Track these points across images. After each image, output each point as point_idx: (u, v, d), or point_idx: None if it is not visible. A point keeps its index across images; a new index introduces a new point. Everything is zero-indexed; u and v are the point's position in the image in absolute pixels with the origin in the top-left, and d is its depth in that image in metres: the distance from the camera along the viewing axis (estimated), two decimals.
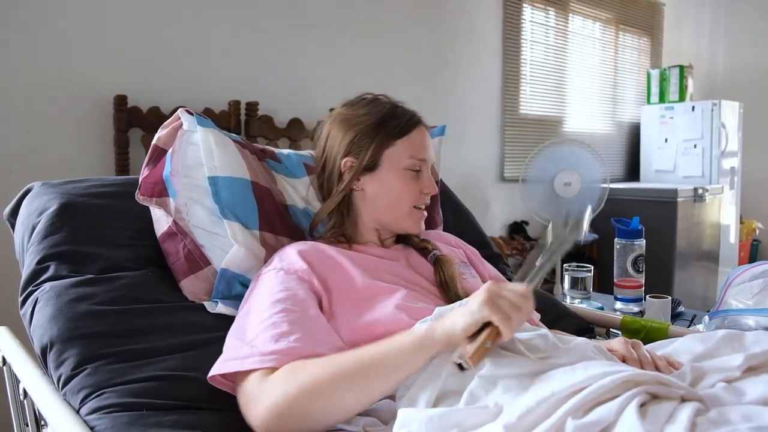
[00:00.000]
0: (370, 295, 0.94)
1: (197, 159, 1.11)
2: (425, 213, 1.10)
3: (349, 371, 0.77)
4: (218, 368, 0.84)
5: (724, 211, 3.94)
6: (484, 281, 1.16)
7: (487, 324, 0.75)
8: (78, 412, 0.82)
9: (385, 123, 1.06)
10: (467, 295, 0.97)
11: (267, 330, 0.84)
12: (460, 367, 0.76)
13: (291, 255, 0.99)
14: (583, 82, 4.00)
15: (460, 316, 0.76)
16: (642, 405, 0.62)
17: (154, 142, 1.14)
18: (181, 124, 1.14)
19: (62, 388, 0.86)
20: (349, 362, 0.78)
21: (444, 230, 1.44)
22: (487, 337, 0.74)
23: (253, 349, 0.82)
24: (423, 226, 1.11)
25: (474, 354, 0.73)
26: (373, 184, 1.07)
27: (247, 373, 0.81)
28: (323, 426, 0.79)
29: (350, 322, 0.91)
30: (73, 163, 1.95)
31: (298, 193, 1.23)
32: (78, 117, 1.97)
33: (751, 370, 0.76)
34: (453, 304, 0.87)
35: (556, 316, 1.36)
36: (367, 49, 2.78)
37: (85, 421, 0.80)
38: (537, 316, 1.20)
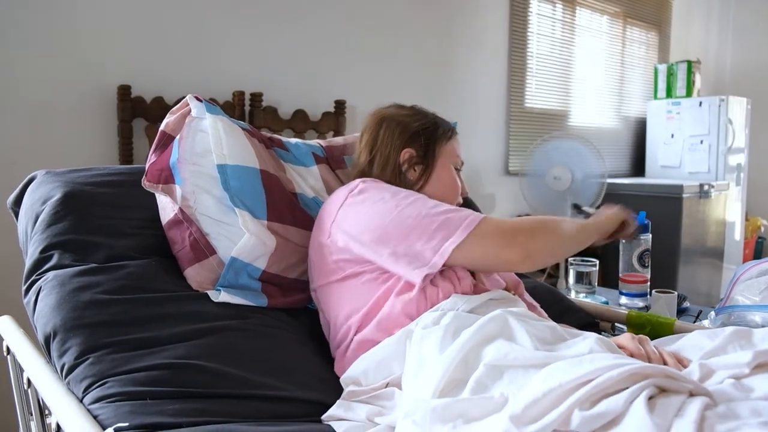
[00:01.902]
0: None
1: (205, 146, 1.10)
2: None
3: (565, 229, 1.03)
4: (444, 246, 0.95)
5: (729, 208, 3.91)
6: (500, 275, 1.17)
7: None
8: (81, 401, 0.81)
9: (437, 125, 1.18)
10: (484, 285, 1.06)
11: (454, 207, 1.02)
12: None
13: None
14: (590, 76, 3.98)
15: (609, 213, 1.19)
16: (650, 398, 0.62)
17: (161, 128, 1.13)
18: (190, 111, 1.13)
19: (66, 377, 0.85)
20: (570, 224, 1.05)
21: None
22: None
23: (461, 212, 0.98)
24: None
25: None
26: (427, 176, 1.14)
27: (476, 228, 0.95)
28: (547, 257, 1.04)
29: None
30: (77, 153, 1.95)
31: (307, 182, 1.23)
32: (82, 107, 1.96)
33: (760, 367, 0.75)
34: None
35: (561, 310, 1.36)
36: (372, 42, 2.76)
37: (88, 410, 0.79)
38: (545, 313, 1.19)
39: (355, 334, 0.98)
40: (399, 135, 1.15)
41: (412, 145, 1.14)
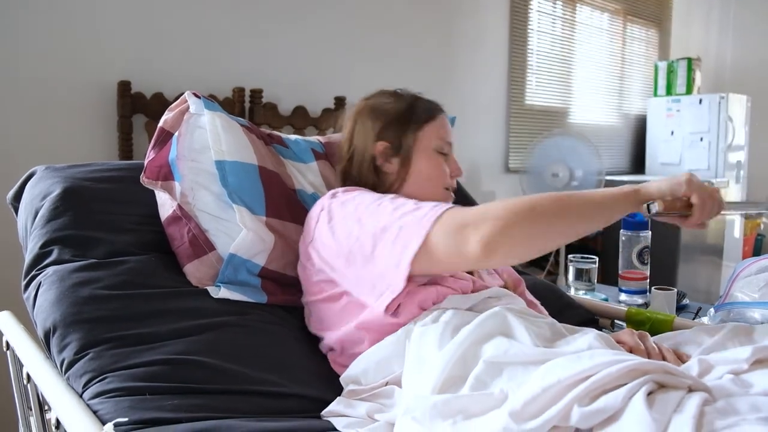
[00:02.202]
0: None
1: (204, 143, 1.10)
2: (453, 195, 1.12)
3: (551, 204, 0.84)
4: (402, 259, 0.85)
5: (729, 206, 3.91)
6: (497, 273, 1.17)
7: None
8: (81, 396, 0.82)
9: (413, 109, 1.10)
10: (484, 282, 1.01)
11: (419, 203, 0.90)
12: (648, 209, 0.88)
13: None
14: (590, 73, 3.97)
15: (665, 182, 0.90)
16: (649, 394, 0.62)
17: (160, 124, 1.13)
18: (188, 107, 1.13)
19: (65, 373, 0.85)
20: (548, 199, 0.85)
21: None
22: (679, 206, 0.89)
23: (430, 210, 0.87)
24: None
25: (667, 203, 0.88)
26: (404, 167, 1.08)
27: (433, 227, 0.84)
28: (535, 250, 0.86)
29: None
30: (77, 149, 1.95)
31: (306, 178, 1.23)
32: (82, 103, 1.96)
33: (759, 363, 0.75)
34: None
35: (560, 307, 1.36)
36: (371, 38, 2.76)
37: (88, 405, 0.79)
38: (545, 311, 1.19)
39: (348, 346, 0.98)
40: (372, 127, 1.10)
41: (387, 136, 1.08)
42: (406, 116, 1.09)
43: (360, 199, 0.96)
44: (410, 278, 0.88)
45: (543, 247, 0.87)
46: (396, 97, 1.12)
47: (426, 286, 0.93)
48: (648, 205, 0.88)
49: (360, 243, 0.91)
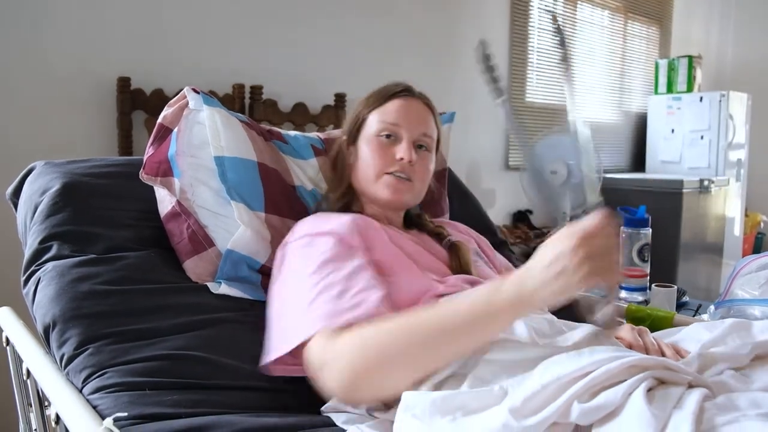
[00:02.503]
0: (407, 265, 0.95)
1: (203, 138, 1.10)
2: (409, 184, 1.06)
3: (422, 335, 0.74)
4: (279, 349, 0.84)
5: (729, 204, 3.91)
6: (496, 269, 1.16)
7: None
8: (81, 391, 0.82)
9: (369, 98, 1.11)
10: (478, 278, 0.97)
11: (323, 293, 0.83)
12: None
13: (327, 220, 0.98)
14: (591, 70, 3.97)
15: (542, 272, 0.70)
16: (649, 390, 0.62)
17: (159, 120, 1.13)
18: (187, 103, 1.13)
19: (65, 368, 0.85)
20: (423, 326, 0.75)
21: (450, 217, 1.43)
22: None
23: (313, 313, 0.82)
24: (405, 197, 1.07)
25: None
26: (354, 157, 1.10)
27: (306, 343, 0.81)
28: (396, 390, 0.75)
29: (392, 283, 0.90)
30: (77, 145, 1.95)
31: (306, 174, 1.22)
32: (81, 99, 1.96)
33: (758, 359, 0.75)
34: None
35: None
36: (372, 34, 2.76)
37: (88, 400, 0.79)
38: None
39: None
40: (344, 124, 1.16)
41: (348, 130, 1.13)
42: (361, 108, 1.11)
43: (291, 262, 0.94)
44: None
45: (414, 377, 0.75)
46: (373, 90, 1.13)
47: (417, 288, 0.92)
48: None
49: (271, 308, 0.93)
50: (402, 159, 1.04)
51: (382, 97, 1.09)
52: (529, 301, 0.72)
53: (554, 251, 0.70)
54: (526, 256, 0.80)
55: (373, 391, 0.77)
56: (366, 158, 1.06)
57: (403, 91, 1.10)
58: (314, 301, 0.83)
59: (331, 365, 0.77)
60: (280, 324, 0.89)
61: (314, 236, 0.95)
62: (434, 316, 0.76)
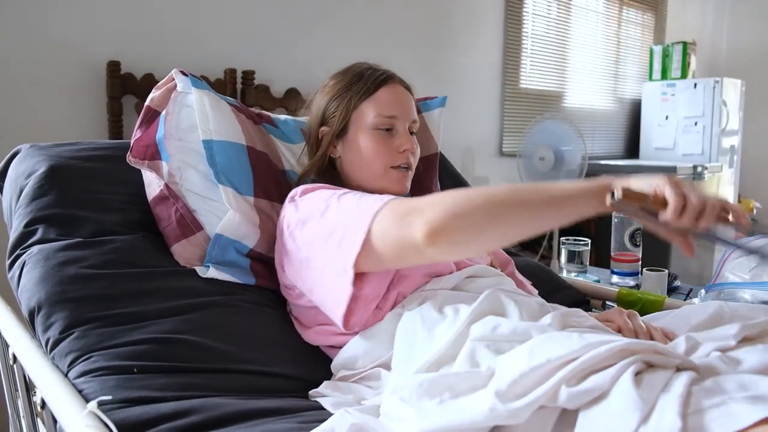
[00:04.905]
0: None
1: (191, 122, 1.09)
2: (409, 173, 1.06)
3: (514, 197, 0.78)
4: (346, 256, 0.82)
5: (722, 190, 3.92)
6: (489, 255, 1.16)
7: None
8: (66, 375, 0.81)
9: (351, 86, 1.05)
10: (468, 261, 0.98)
11: (364, 197, 0.87)
12: (612, 195, 0.75)
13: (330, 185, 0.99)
14: (585, 57, 3.95)
15: (642, 177, 0.78)
16: (637, 374, 0.61)
17: (147, 103, 1.11)
18: (176, 86, 1.11)
19: (50, 352, 0.85)
20: (505, 190, 0.79)
21: None
22: (646, 201, 0.75)
23: (371, 204, 0.83)
24: (407, 185, 1.07)
25: (628, 191, 0.74)
26: (347, 149, 1.06)
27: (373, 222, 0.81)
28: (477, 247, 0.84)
29: None
30: (66, 129, 1.92)
31: (296, 157, 1.21)
32: (70, 83, 1.93)
33: (746, 340, 0.75)
34: None
35: (552, 288, 1.35)
36: (365, 19, 2.73)
37: (73, 384, 0.79)
38: (534, 290, 1.19)
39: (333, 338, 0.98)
40: (317, 111, 1.09)
41: (328, 121, 1.07)
42: (343, 96, 1.05)
43: (303, 210, 0.94)
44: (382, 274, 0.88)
45: (495, 240, 0.82)
46: (343, 73, 1.08)
47: (408, 273, 0.92)
48: (612, 193, 0.75)
49: (308, 259, 0.91)
50: (405, 151, 1.04)
51: (371, 85, 1.04)
52: (607, 184, 0.77)
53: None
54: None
55: (458, 238, 0.77)
56: (368, 153, 1.03)
57: (389, 78, 1.07)
58: (364, 197, 0.87)
59: (420, 208, 0.78)
60: (337, 232, 0.86)
61: (329, 187, 0.96)
62: (522, 185, 0.83)
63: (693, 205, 0.74)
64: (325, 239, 0.88)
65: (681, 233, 0.78)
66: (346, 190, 0.93)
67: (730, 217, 0.76)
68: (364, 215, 0.83)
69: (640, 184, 0.77)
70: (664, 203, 0.75)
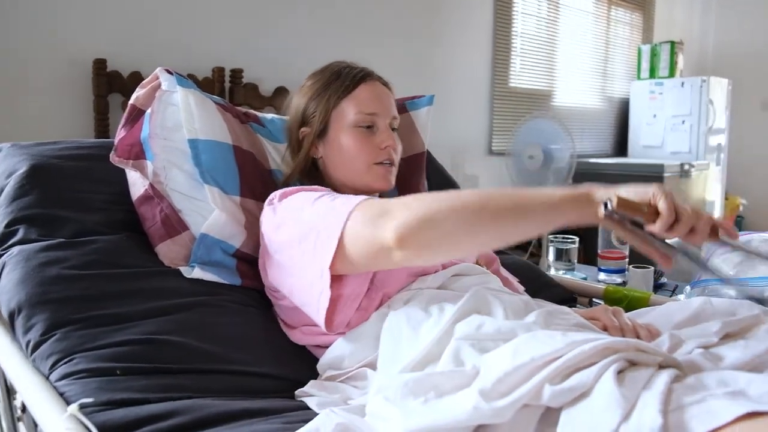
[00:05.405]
0: None
1: (177, 120, 1.08)
2: (393, 168, 1.06)
3: (490, 201, 0.76)
4: (322, 258, 0.81)
5: (709, 188, 3.95)
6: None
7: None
8: (48, 378, 0.80)
9: (329, 85, 1.04)
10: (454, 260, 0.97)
11: (338, 199, 0.86)
12: (605, 206, 0.72)
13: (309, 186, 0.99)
14: (574, 56, 3.97)
15: (631, 186, 0.75)
16: (620, 372, 0.62)
17: (131, 102, 1.10)
18: (161, 84, 1.11)
19: (31, 354, 0.84)
20: (492, 194, 0.77)
21: None
22: (641, 211, 0.72)
23: (342, 201, 0.83)
24: (392, 180, 1.07)
25: (623, 201, 0.71)
26: (328, 149, 1.05)
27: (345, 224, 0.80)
28: (451, 249, 0.80)
29: None
30: (52, 128, 1.91)
31: (282, 157, 1.21)
32: (56, 81, 1.92)
33: (728, 336, 0.75)
34: None
35: (539, 286, 1.36)
36: (354, 18, 2.72)
37: (55, 387, 0.78)
38: (521, 287, 1.19)
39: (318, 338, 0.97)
40: (296, 111, 1.08)
41: (308, 121, 1.06)
42: (322, 95, 1.04)
43: (280, 213, 0.94)
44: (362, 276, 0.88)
45: (468, 247, 0.80)
46: (321, 72, 1.08)
47: (393, 272, 0.92)
48: (605, 203, 0.72)
49: (288, 257, 0.90)
50: (387, 147, 1.03)
51: (350, 83, 1.04)
52: (593, 192, 0.74)
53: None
54: None
55: (428, 243, 0.76)
56: (350, 151, 1.02)
57: (367, 75, 1.06)
58: (337, 199, 0.86)
59: (391, 211, 0.76)
60: (311, 236, 0.85)
61: (307, 189, 0.95)
62: (500, 190, 0.79)
63: (687, 220, 0.72)
64: (300, 243, 0.88)
65: (663, 250, 0.75)
66: (323, 192, 0.92)
67: (720, 234, 0.75)
68: (337, 218, 0.82)
69: (634, 192, 0.74)
70: (656, 214, 0.72)
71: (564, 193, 0.75)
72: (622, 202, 0.72)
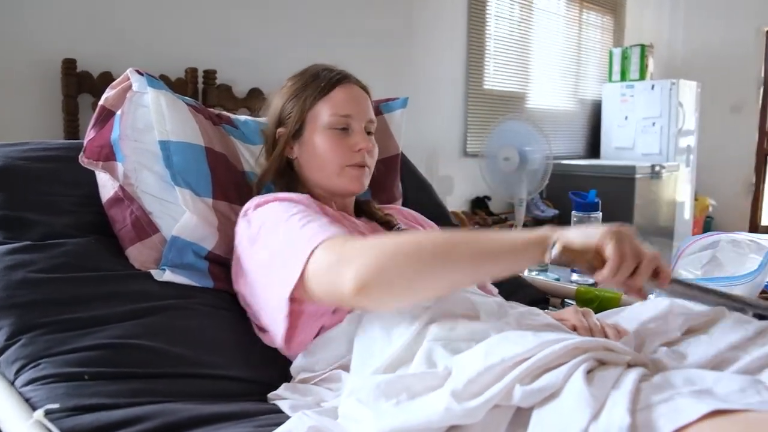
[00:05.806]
0: None
1: (148, 122, 1.06)
2: (366, 170, 1.07)
3: (449, 246, 0.77)
4: (283, 289, 0.82)
5: (679, 188, 4.03)
6: None
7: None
8: (13, 384, 0.78)
9: (307, 86, 1.06)
10: None
11: (313, 222, 0.85)
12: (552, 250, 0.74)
13: (284, 194, 0.98)
14: (547, 58, 4.01)
15: (582, 229, 0.75)
16: (589, 371, 0.63)
17: (101, 102, 1.09)
18: (131, 85, 1.09)
19: None
20: (450, 238, 0.79)
21: (404, 204, 1.42)
22: (584, 259, 0.73)
23: (310, 231, 0.83)
24: (365, 183, 1.07)
25: (568, 248, 0.72)
26: (303, 150, 1.06)
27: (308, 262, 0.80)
28: (406, 299, 0.79)
29: None
30: (19, 129, 1.86)
31: (256, 159, 1.20)
32: (23, 81, 1.88)
33: (690, 331, 0.77)
34: None
35: (513, 288, 1.37)
36: (328, 19, 2.72)
37: (20, 393, 0.76)
38: (495, 289, 1.20)
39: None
40: (273, 112, 1.10)
41: (284, 122, 1.07)
42: (298, 97, 1.06)
43: (261, 219, 0.94)
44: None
45: (428, 292, 0.79)
46: (299, 74, 1.09)
47: None
48: (552, 247, 0.74)
49: (256, 276, 0.92)
50: (361, 150, 1.04)
51: (326, 85, 1.04)
52: (550, 236, 0.75)
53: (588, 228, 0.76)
54: None
55: (388, 292, 0.76)
56: (324, 153, 1.03)
57: (344, 78, 1.07)
58: (306, 226, 0.85)
59: (351, 258, 0.76)
60: (276, 262, 0.86)
61: (282, 199, 0.95)
62: (464, 236, 0.80)
63: (628, 264, 0.72)
64: (267, 267, 0.89)
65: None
66: (296, 207, 0.92)
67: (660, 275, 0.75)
68: (300, 253, 0.82)
69: (581, 237, 0.74)
70: (602, 260, 0.73)
71: (526, 237, 0.76)
72: (566, 250, 0.73)
